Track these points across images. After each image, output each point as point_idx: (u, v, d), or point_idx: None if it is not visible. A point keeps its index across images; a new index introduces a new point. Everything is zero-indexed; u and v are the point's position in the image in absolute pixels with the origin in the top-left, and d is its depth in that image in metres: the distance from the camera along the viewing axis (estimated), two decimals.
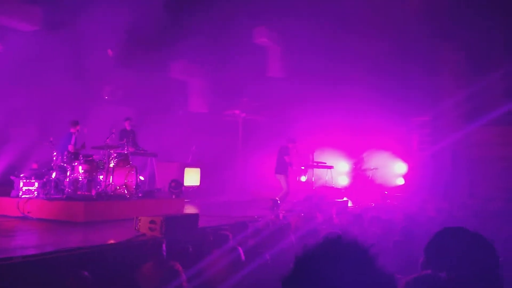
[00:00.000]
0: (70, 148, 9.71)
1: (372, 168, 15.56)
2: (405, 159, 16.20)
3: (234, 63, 16.13)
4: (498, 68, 14.46)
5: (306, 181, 14.81)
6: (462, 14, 13.77)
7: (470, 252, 2.01)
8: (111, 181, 9.45)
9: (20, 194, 9.17)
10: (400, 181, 16.06)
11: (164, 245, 5.20)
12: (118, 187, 9.65)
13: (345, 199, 13.20)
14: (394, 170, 16.19)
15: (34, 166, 10.46)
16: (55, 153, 9.49)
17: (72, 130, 10.06)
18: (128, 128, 11.30)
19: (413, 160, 16.18)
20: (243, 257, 4.26)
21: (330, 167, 14.86)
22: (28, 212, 8.42)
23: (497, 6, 13.26)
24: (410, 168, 16.09)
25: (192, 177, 15.44)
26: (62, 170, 9.42)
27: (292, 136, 12.00)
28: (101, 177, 9.62)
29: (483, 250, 2.02)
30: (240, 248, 4.37)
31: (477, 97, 14.81)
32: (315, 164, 14.06)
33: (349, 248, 1.27)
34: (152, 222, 6.63)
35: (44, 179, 9.32)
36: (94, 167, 9.48)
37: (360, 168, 15.57)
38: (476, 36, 14.43)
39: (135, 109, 15.54)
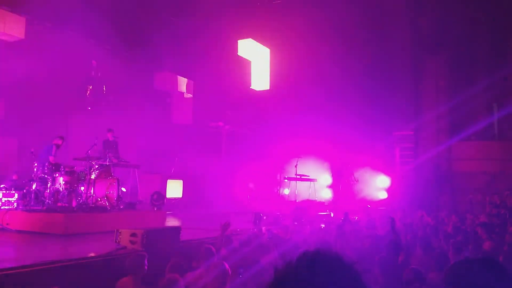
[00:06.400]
0: (51, 159, 9.58)
1: (356, 179, 15.68)
2: (387, 173, 16.32)
3: (219, 75, 16.16)
4: (480, 83, 14.73)
5: (289, 194, 14.83)
6: (446, 27, 14.05)
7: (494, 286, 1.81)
8: (92, 193, 9.32)
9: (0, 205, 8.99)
10: (383, 195, 16.17)
11: (145, 259, 5.13)
12: (99, 199, 9.51)
13: (327, 212, 13.21)
14: (376, 184, 16.30)
15: (14, 177, 10.27)
16: (36, 164, 9.36)
17: (54, 142, 9.93)
18: (110, 139, 11.17)
19: (395, 174, 16.31)
20: (229, 270, 4.24)
21: (313, 180, 14.88)
22: (7, 224, 8.25)
23: (481, 21, 13.56)
24: (392, 182, 16.21)
25: (174, 189, 15.33)
26: (42, 181, 9.28)
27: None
28: (82, 188, 9.49)
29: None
30: (225, 263, 4.34)
31: (459, 111, 15.07)
32: (298, 177, 14.07)
33: (332, 263, 1.20)
34: (133, 235, 6.55)
35: (24, 190, 9.16)
36: (75, 179, 9.36)
37: (348, 175, 15.65)
38: (459, 50, 14.74)
39: (117, 120, 15.42)
